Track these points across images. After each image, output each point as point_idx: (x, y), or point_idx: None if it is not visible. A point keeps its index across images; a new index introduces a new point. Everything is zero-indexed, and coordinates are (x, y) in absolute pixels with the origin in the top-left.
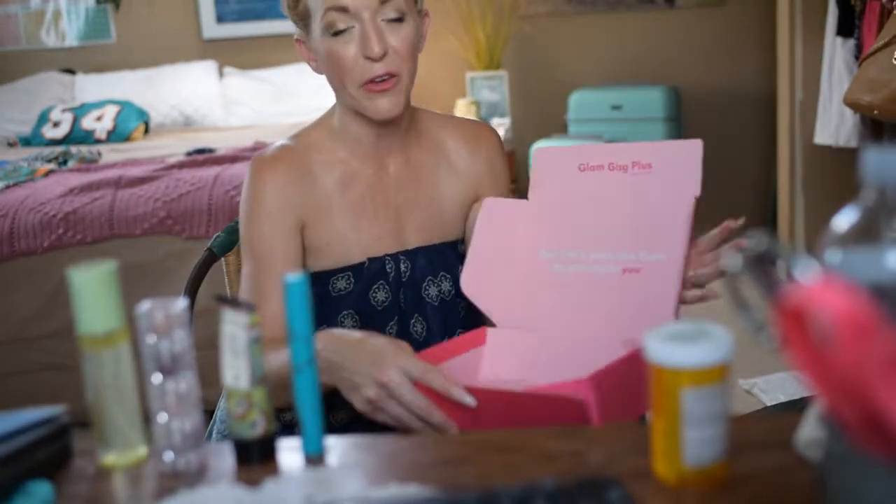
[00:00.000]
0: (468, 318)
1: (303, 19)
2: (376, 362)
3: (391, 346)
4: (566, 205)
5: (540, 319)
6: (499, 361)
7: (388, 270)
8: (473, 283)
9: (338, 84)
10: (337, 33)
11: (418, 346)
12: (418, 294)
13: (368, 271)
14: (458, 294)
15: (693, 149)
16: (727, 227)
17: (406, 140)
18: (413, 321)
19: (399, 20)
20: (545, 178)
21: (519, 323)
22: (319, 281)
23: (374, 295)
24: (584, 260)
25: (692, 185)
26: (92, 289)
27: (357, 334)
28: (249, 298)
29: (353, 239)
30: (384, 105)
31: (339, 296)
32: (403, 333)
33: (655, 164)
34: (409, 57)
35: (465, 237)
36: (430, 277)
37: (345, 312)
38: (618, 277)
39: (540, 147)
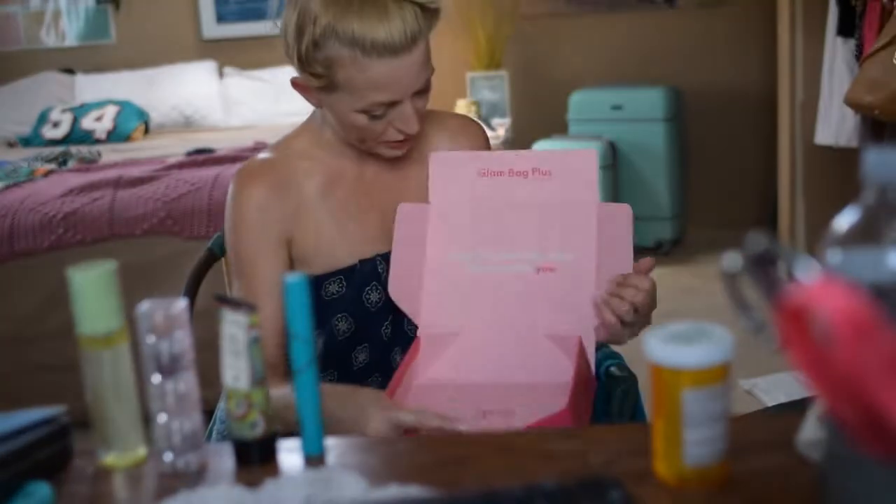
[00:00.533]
0: None
1: (324, 84)
2: (361, 421)
3: (375, 403)
4: (470, 208)
5: (463, 320)
6: (431, 365)
7: (380, 271)
8: (396, 289)
9: (355, 139)
10: (375, 117)
11: (411, 342)
12: None
13: (360, 273)
14: None
15: (588, 157)
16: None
17: None
18: (407, 320)
19: (426, 89)
20: (445, 182)
21: (443, 325)
22: (311, 286)
23: (367, 297)
24: (496, 261)
25: (591, 193)
26: (92, 289)
27: (340, 389)
28: None
29: (342, 242)
30: (397, 154)
31: (331, 300)
32: (398, 333)
33: (554, 171)
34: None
35: None
36: None
37: (339, 316)
38: (533, 277)
39: (435, 153)
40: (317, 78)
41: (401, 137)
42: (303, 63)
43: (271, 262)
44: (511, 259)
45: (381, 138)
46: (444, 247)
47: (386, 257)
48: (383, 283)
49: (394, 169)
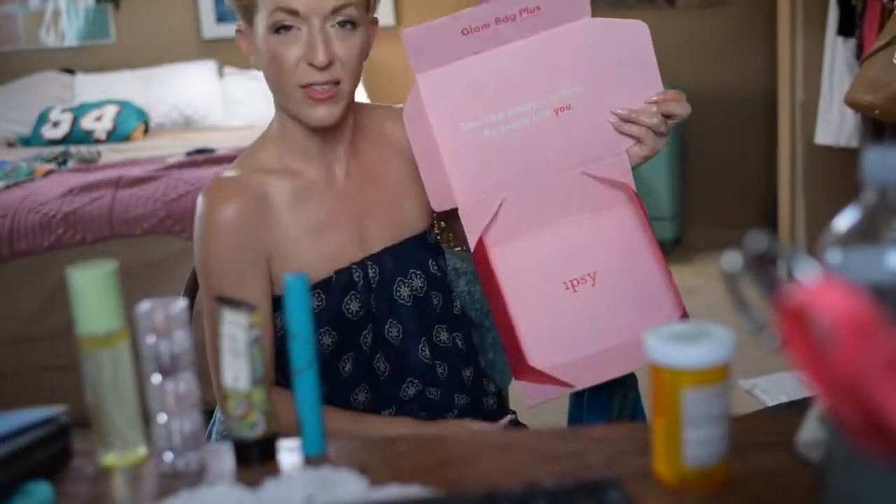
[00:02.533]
0: (444, 312)
1: (246, 10)
2: None
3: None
4: (462, 72)
5: (499, 188)
6: (497, 235)
7: (357, 279)
8: (432, 192)
9: (275, 85)
10: (280, 29)
11: (394, 349)
12: (390, 297)
13: (336, 285)
14: (431, 287)
15: None
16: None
17: (354, 141)
18: (387, 326)
19: (350, 28)
20: (426, 55)
21: (483, 202)
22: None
23: (347, 307)
24: (510, 117)
25: (585, 13)
26: (92, 289)
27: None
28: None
29: (317, 255)
30: (321, 113)
31: (312, 314)
32: (378, 341)
33: (543, 5)
34: (356, 66)
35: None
36: (400, 278)
37: (322, 330)
38: (553, 120)
39: (405, 29)
40: (239, 4)
41: (314, 76)
42: None
43: (255, 281)
44: (525, 110)
45: (295, 77)
46: (451, 121)
47: (362, 265)
48: (360, 292)
49: (362, 171)
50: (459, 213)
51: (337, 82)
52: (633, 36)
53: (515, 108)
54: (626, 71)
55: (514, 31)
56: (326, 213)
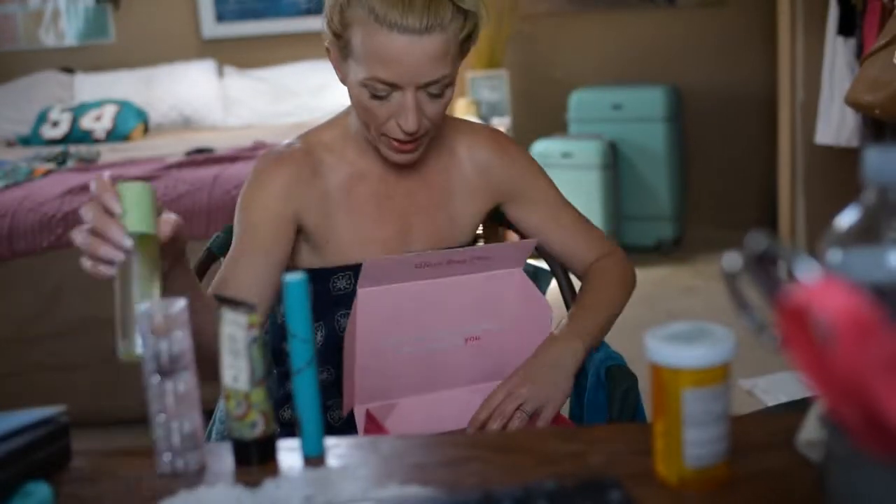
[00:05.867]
0: None
1: (342, 49)
2: None
3: None
4: (399, 294)
5: (398, 393)
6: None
7: None
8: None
9: (361, 120)
10: (376, 97)
11: None
12: None
13: None
14: None
15: (527, 246)
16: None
17: None
18: None
19: (441, 91)
20: (374, 278)
21: (379, 396)
22: (320, 278)
23: None
24: (429, 340)
25: (520, 263)
26: (136, 195)
27: None
28: (223, 273)
29: (354, 239)
30: (402, 159)
31: (338, 295)
32: None
33: (493, 255)
34: (442, 117)
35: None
36: None
37: (342, 312)
38: (462, 347)
39: (368, 260)
40: (336, 38)
41: (400, 135)
42: (328, 21)
43: (273, 233)
44: (442, 335)
45: (382, 129)
46: (374, 335)
47: None
48: None
49: (417, 176)
50: (356, 409)
51: (420, 137)
52: (540, 310)
53: (435, 333)
54: (526, 321)
55: (458, 268)
56: (374, 205)
